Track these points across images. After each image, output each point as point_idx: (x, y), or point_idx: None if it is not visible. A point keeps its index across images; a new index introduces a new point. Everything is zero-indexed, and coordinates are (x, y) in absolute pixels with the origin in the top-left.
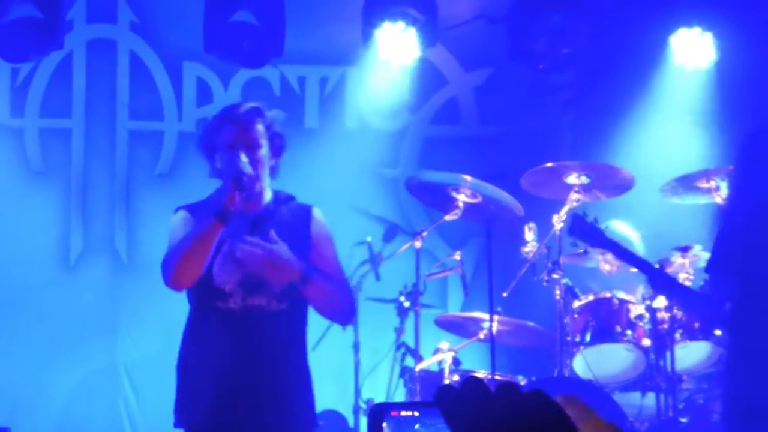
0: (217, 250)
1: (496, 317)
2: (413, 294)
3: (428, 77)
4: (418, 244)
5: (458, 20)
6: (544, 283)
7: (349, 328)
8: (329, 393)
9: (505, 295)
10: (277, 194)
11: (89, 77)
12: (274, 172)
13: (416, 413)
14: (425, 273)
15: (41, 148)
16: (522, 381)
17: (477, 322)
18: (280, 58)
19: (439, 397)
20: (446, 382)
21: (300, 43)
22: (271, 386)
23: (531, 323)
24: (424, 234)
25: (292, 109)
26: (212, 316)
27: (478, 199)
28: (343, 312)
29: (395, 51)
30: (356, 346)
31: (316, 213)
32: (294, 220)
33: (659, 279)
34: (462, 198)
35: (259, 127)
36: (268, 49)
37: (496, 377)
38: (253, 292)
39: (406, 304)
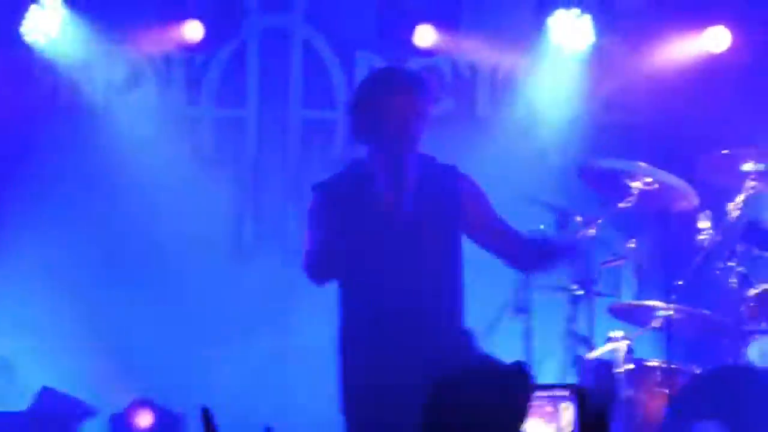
0: None
1: (670, 305)
2: (586, 282)
3: (601, 64)
4: (591, 231)
5: (631, 9)
6: (718, 272)
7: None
8: None
9: (679, 283)
10: None
11: (263, 66)
12: None
13: None
14: (599, 261)
15: (215, 137)
16: (696, 370)
17: (651, 310)
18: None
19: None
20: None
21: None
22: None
23: (706, 312)
24: (599, 222)
25: (464, 97)
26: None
27: (653, 187)
28: None
29: (569, 38)
30: (527, 334)
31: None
32: None
33: None
34: (636, 185)
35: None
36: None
37: (672, 366)
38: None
39: (579, 292)
